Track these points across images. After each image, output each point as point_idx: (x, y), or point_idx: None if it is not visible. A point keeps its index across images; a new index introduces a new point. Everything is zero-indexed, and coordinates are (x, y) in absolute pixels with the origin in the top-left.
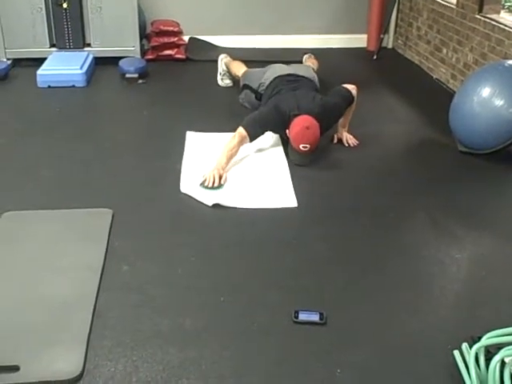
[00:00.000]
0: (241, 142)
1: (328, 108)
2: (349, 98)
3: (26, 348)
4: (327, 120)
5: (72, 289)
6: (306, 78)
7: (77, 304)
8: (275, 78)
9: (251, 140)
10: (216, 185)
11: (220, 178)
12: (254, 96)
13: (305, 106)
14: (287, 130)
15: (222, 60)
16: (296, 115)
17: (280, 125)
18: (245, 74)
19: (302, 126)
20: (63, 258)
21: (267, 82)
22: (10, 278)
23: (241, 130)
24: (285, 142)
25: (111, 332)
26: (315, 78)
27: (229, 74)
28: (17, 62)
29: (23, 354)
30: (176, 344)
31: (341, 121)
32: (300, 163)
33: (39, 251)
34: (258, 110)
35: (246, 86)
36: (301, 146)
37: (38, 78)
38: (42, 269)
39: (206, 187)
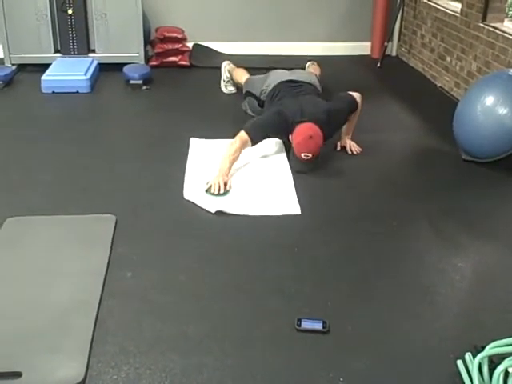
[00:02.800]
0: (242, 147)
1: (332, 114)
2: (353, 105)
3: (28, 354)
4: (331, 126)
5: (75, 295)
6: (308, 83)
7: (79, 310)
8: (277, 84)
9: (253, 144)
10: (222, 191)
11: (225, 184)
12: (256, 103)
13: (309, 111)
14: (290, 136)
15: (226, 67)
16: (300, 122)
17: (283, 130)
18: (247, 81)
19: (306, 135)
20: (66, 263)
21: (269, 89)
22: (13, 283)
23: (242, 134)
24: (288, 147)
25: (114, 338)
26: (317, 83)
27: (232, 80)
28: (21, 68)
29: (26, 361)
30: (178, 351)
31: (344, 128)
32: (301, 170)
33: (42, 257)
34: (261, 114)
35: (248, 93)
36: (303, 155)
37: (43, 84)
38: (45, 274)
39: (212, 194)
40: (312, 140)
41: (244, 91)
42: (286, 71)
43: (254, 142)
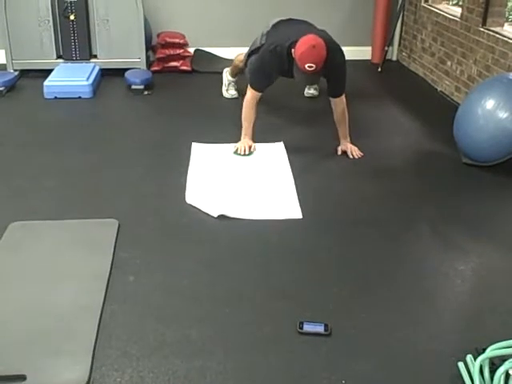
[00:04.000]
0: (255, 101)
1: (338, 50)
2: (344, 83)
3: (32, 357)
4: (333, 59)
5: (78, 299)
6: (309, 22)
7: (83, 314)
8: (276, 23)
9: (262, 91)
10: (247, 152)
11: (250, 147)
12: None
13: (312, 31)
14: (293, 50)
15: (227, 72)
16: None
17: (282, 60)
18: (247, 51)
19: (309, 44)
20: (69, 267)
21: (268, 29)
22: (17, 287)
23: (249, 90)
24: (290, 152)
25: (117, 342)
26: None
27: (234, 81)
28: (24, 73)
29: (30, 364)
30: (181, 354)
31: (340, 130)
32: (306, 84)
33: (46, 261)
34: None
35: (250, 54)
36: (306, 66)
37: (45, 89)
38: (48, 278)
39: (239, 154)
40: (315, 49)
41: (245, 60)
42: None
43: (260, 90)
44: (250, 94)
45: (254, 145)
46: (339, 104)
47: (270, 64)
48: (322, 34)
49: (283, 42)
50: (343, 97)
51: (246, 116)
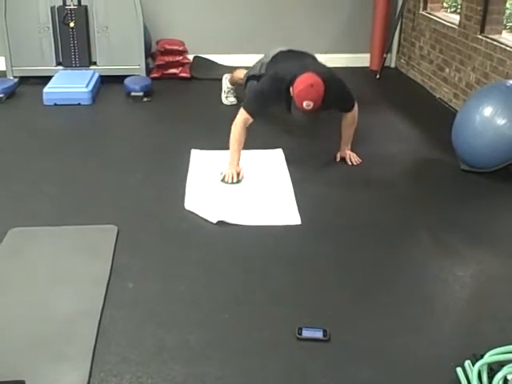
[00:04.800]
0: (245, 125)
1: (335, 79)
2: (351, 97)
3: (31, 363)
4: (331, 92)
5: (77, 304)
6: (310, 54)
7: (82, 319)
8: (276, 54)
9: (254, 117)
10: (235, 180)
11: (238, 174)
12: (256, 82)
13: (311, 67)
14: (291, 88)
15: (226, 78)
16: (301, 74)
17: (280, 92)
18: (247, 71)
19: (307, 83)
20: (68, 273)
21: (268, 60)
22: (16, 293)
23: (241, 112)
24: (288, 158)
25: (116, 348)
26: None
27: (233, 89)
28: (23, 80)
29: (29, 369)
30: (180, 360)
31: (343, 137)
32: (302, 123)
33: (45, 267)
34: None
35: (249, 78)
36: (304, 104)
37: (45, 96)
38: (47, 284)
39: (227, 182)
40: (313, 88)
41: (244, 80)
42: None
43: (254, 115)
44: (242, 118)
45: (242, 172)
46: (350, 114)
47: (269, 96)
48: (320, 69)
49: (283, 77)
50: (355, 108)
51: (234, 140)
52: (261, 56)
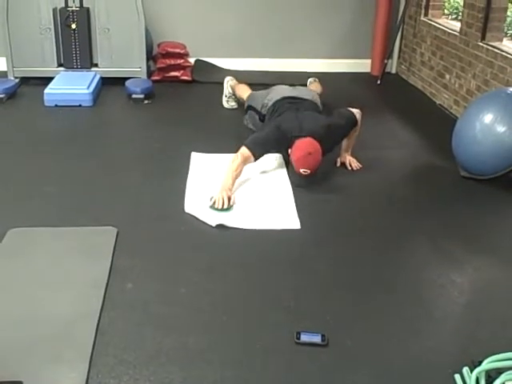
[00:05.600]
0: (244, 162)
1: (332, 130)
2: (353, 121)
3: (29, 364)
4: (330, 141)
5: (76, 306)
6: (309, 100)
7: (80, 321)
8: (278, 100)
9: (255, 159)
10: (226, 206)
11: (229, 199)
12: (257, 117)
13: (308, 126)
14: (289, 150)
15: (228, 82)
16: (299, 136)
17: (282, 144)
18: (249, 96)
19: (305, 151)
20: (67, 275)
21: (270, 103)
22: (14, 294)
23: (244, 150)
24: (287, 162)
25: (114, 350)
26: (318, 100)
27: (234, 96)
28: (25, 81)
29: (27, 370)
30: (178, 363)
31: (344, 144)
32: (300, 185)
33: (44, 268)
34: (261, 129)
35: (250, 108)
36: (302, 171)
37: (46, 97)
38: (46, 285)
39: (216, 209)
40: (311, 156)
41: (246, 106)
42: (288, 87)
43: (257, 157)
44: (245, 156)
45: (233, 197)
46: (357, 128)
47: (273, 145)
48: (319, 127)
49: (284, 133)
50: (358, 122)
51: (230, 170)
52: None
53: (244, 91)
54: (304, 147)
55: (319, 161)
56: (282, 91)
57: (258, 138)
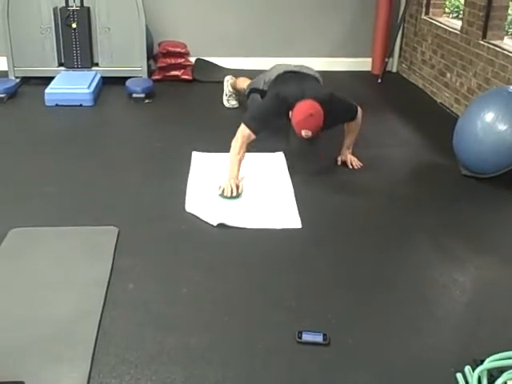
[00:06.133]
0: (246, 142)
1: (334, 102)
2: (353, 109)
3: (30, 364)
4: (330, 115)
5: (77, 306)
6: (311, 75)
7: (82, 321)
8: (280, 74)
9: (256, 134)
10: (234, 194)
11: (237, 187)
12: (259, 96)
13: (310, 93)
14: (290, 113)
15: (228, 81)
16: (301, 99)
17: (282, 112)
18: (251, 82)
19: (307, 112)
20: (68, 274)
21: (272, 77)
22: (16, 293)
23: (243, 129)
24: (289, 161)
25: (116, 349)
26: (320, 79)
27: (235, 93)
28: (25, 81)
29: (28, 370)
30: (180, 362)
31: (345, 142)
32: (299, 150)
33: (45, 268)
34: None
35: (252, 91)
36: (303, 133)
37: (46, 97)
38: (47, 285)
39: (225, 197)
40: (313, 117)
41: (247, 91)
42: (290, 64)
43: (257, 132)
44: (244, 134)
45: (241, 185)
46: (354, 122)
47: (271, 115)
48: (320, 93)
49: (284, 99)
50: (358, 115)
51: (234, 155)
52: (262, 60)
53: (245, 81)
54: (305, 109)
55: (320, 124)
56: (284, 67)
57: (256, 111)
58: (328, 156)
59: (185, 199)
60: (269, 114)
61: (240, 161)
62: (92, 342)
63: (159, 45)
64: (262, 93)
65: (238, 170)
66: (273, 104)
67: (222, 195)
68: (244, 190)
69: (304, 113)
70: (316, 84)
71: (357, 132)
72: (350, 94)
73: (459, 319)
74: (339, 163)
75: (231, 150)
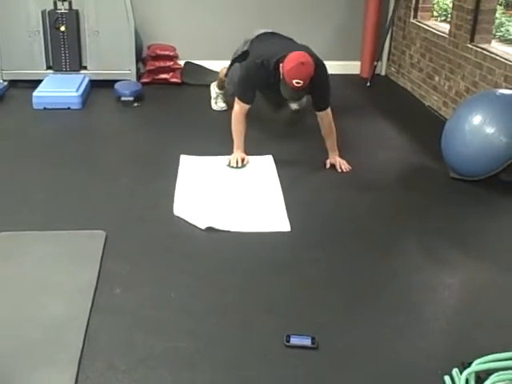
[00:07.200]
0: (244, 113)
1: (323, 65)
2: (329, 98)
3: (17, 369)
4: (317, 76)
5: (64, 310)
6: (292, 40)
7: (68, 326)
8: (259, 34)
9: (250, 103)
10: (240, 165)
11: (242, 160)
12: (238, 65)
13: (294, 47)
14: (281, 65)
15: (214, 84)
16: (285, 56)
17: (268, 73)
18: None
19: (298, 61)
20: (56, 279)
21: (252, 37)
22: (3, 297)
23: (236, 102)
24: (278, 165)
25: (103, 354)
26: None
27: (222, 92)
28: (13, 84)
29: (14, 375)
30: (168, 367)
31: (327, 143)
32: (291, 99)
33: (32, 272)
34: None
35: (232, 62)
36: (294, 82)
37: (34, 100)
38: (34, 289)
39: (232, 167)
40: (304, 66)
41: (227, 69)
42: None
43: (250, 101)
44: (239, 107)
45: (246, 157)
46: (325, 117)
47: (257, 76)
48: (307, 50)
49: (270, 56)
50: (329, 110)
51: (236, 129)
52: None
53: (224, 69)
54: (296, 57)
55: (311, 73)
56: (262, 30)
57: (243, 82)
58: (317, 159)
59: (173, 202)
60: (253, 76)
61: (242, 133)
62: (79, 346)
63: (148, 48)
64: (243, 56)
65: (242, 140)
66: (255, 65)
67: (229, 165)
68: (233, 192)
69: (295, 61)
70: (297, 43)
71: (334, 134)
72: (339, 97)
73: (448, 322)
74: (328, 166)
75: (232, 125)
